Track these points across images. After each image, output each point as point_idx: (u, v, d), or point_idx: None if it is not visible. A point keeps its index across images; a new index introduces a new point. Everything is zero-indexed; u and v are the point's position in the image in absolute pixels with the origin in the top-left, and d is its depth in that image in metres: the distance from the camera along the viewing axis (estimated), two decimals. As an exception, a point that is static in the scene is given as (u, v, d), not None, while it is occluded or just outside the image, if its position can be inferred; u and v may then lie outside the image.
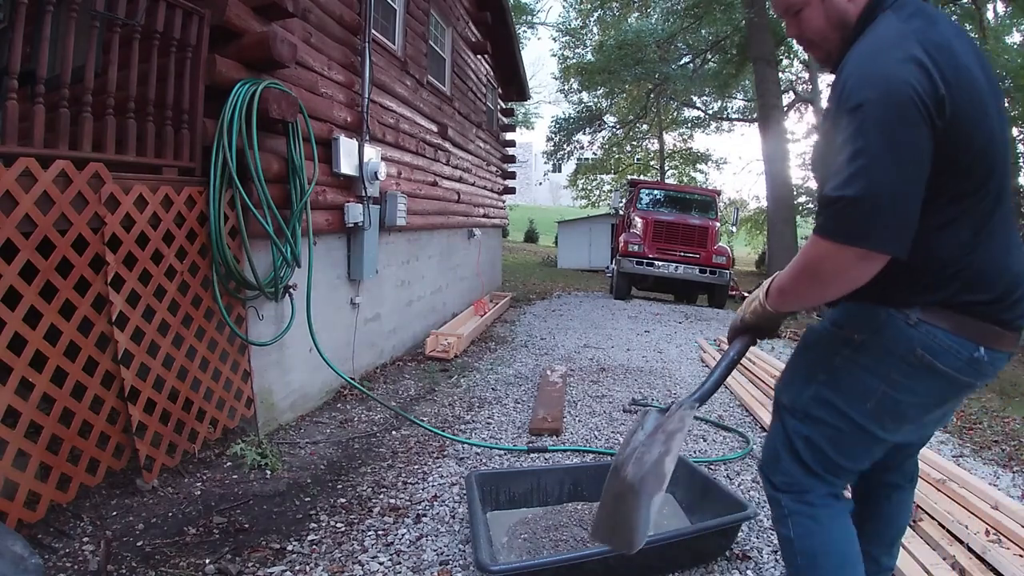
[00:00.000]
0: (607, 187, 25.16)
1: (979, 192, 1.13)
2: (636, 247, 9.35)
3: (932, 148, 1.05)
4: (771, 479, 1.35)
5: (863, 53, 1.12)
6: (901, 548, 1.97)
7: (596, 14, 19.66)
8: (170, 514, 2.23)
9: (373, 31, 4.19)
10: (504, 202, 10.01)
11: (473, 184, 7.63)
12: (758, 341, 1.47)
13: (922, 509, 2.25)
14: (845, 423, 1.24)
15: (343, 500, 2.42)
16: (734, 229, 13.88)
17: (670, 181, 23.94)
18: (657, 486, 1.26)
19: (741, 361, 1.59)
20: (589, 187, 26.37)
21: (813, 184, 12.84)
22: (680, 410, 1.37)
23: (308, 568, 1.91)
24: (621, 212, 12.37)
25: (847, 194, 1.04)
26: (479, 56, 8.02)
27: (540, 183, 37.22)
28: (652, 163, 26.38)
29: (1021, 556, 1.91)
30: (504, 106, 10.24)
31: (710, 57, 17.53)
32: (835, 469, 1.28)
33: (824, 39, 1.27)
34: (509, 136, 10.64)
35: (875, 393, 1.19)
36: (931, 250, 1.13)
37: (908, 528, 2.12)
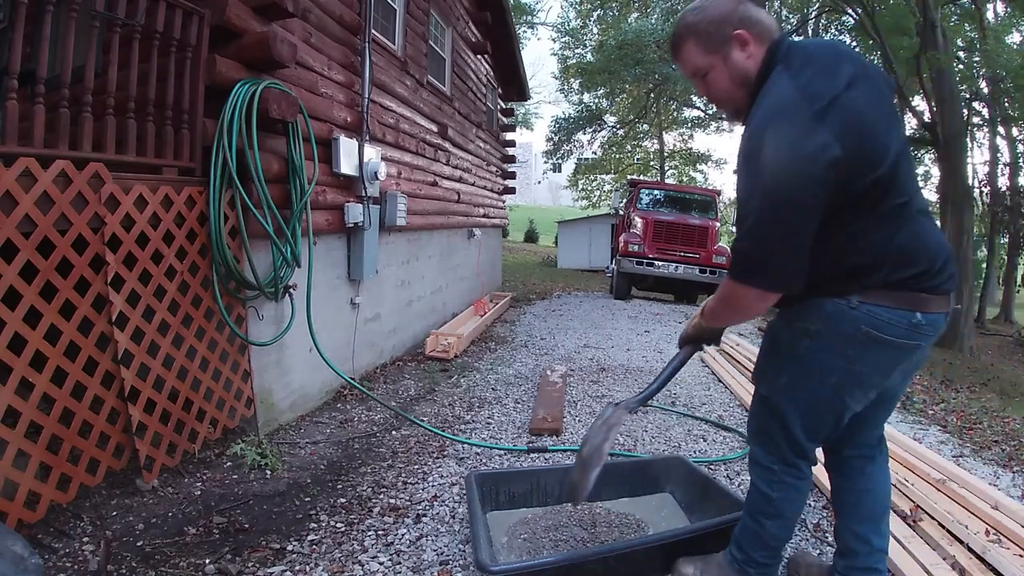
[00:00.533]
0: (607, 187, 25.16)
1: (884, 200, 1.31)
2: (636, 247, 9.34)
3: (822, 203, 1.23)
4: (767, 450, 1.57)
5: (761, 118, 1.27)
6: (901, 548, 1.98)
7: (596, 14, 19.65)
8: (170, 514, 2.23)
9: (373, 31, 4.19)
10: (504, 202, 10.01)
11: (473, 184, 7.63)
12: (704, 348, 1.78)
13: (922, 509, 2.25)
14: (818, 399, 1.46)
15: (343, 500, 2.42)
16: (734, 229, 13.88)
17: (670, 181, 23.94)
18: (598, 463, 1.67)
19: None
20: (589, 187, 26.37)
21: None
22: (618, 409, 1.74)
23: (308, 568, 1.91)
24: (621, 212, 12.36)
25: (741, 247, 1.32)
26: (479, 56, 8.02)
27: (539, 182, 37.25)
28: (652, 163, 26.38)
29: (1021, 556, 1.91)
30: (504, 106, 10.24)
31: (710, 57, 17.51)
32: (815, 436, 1.51)
33: (731, 97, 1.44)
34: (509, 136, 10.64)
35: (837, 370, 1.40)
36: (853, 254, 1.34)
37: (908, 528, 2.13)
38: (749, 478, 1.64)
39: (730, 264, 1.36)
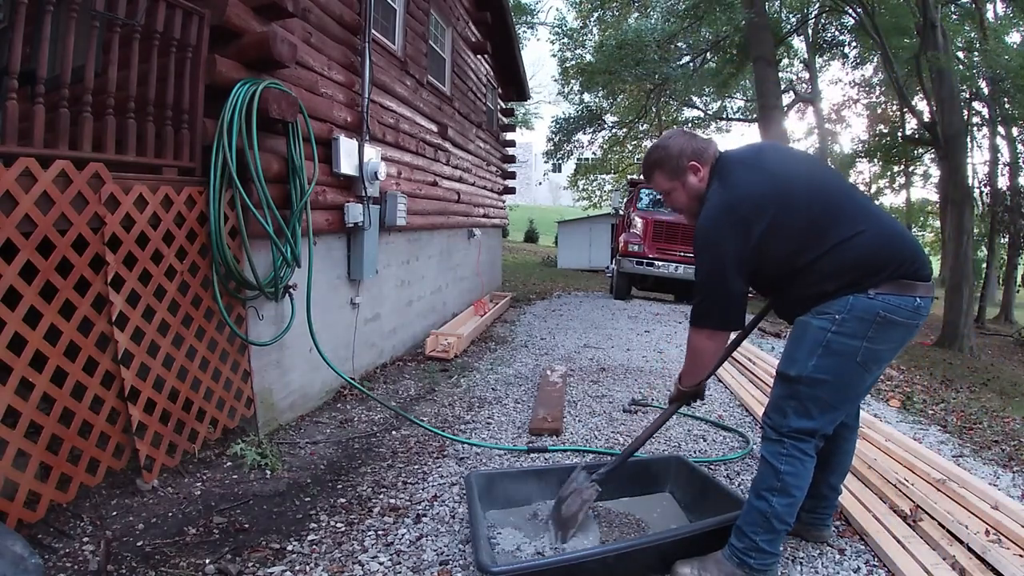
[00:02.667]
0: (607, 187, 25.14)
1: (826, 232, 1.68)
2: (636, 247, 9.33)
3: (750, 267, 1.73)
4: (778, 428, 1.76)
5: (703, 218, 1.79)
6: (901, 548, 2.00)
7: (596, 15, 19.63)
8: (170, 514, 2.23)
9: (373, 31, 4.19)
10: (504, 202, 10.01)
11: (473, 184, 7.63)
12: (689, 404, 2.23)
13: (922, 509, 2.25)
14: (843, 377, 1.71)
15: (343, 500, 2.42)
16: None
17: (670, 181, 23.80)
18: (574, 525, 2.02)
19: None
20: (589, 187, 26.33)
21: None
22: (591, 487, 2.07)
23: (308, 568, 1.91)
24: (621, 212, 12.35)
25: (696, 302, 1.80)
26: (479, 56, 8.02)
27: (540, 183, 37.23)
28: (652, 163, 26.29)
29: (1021, 556, 1.90)
30: (504, 106, 10.23)
31: (710, 57, 17.48)
32: (832, 415, 1.75)
33: (688, 208, 1.95)
34: (509, 136, 10.63)
35: (859, 350, 1.68)
36: (841, 271, 1.67)
37: (908, 528, 2.14)
38: (749, 478, 1.66)
39: (690, 316, 1.83)
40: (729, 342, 2.07)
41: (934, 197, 23.25)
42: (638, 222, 9.69)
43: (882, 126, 21.79)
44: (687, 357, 1.93)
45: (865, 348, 1.68)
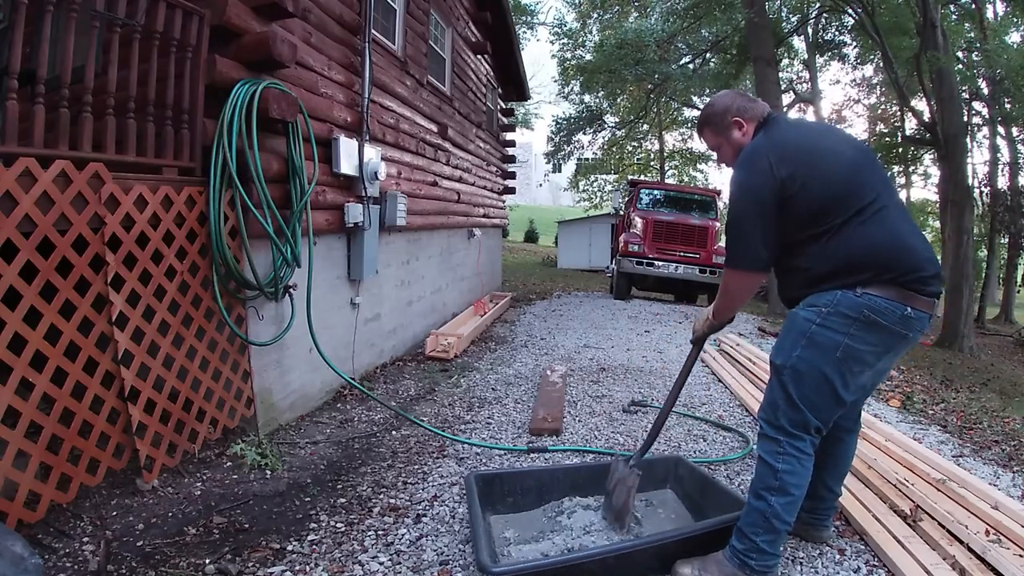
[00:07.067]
0: (608, 187, 25.16)
1: (846, 215, 1.69)
2: (636, 247, 9.34)
3: (775, 213, 1.73)
4: (772, 423, 1.80)
5: (739, 161, 1.86)
6: (901, 548, 2.00)
7: (596, 15, 19.64)
8: (170, 514, 2.23)
9: (373, 31, 4.19)
10: (504, 202, 10.01)
11: (473, 184, 7.63)
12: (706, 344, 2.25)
13: (922, 509, 2.25)
14: (822, 371, 1.73)
15: (343, 500, 2.42)
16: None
17: (670, 181, 23.90)
18: (627, 513, 2.08)
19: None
20: (590, 188, 26.34)
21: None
22: (632, 472, 2.12)
23: (308, 568, 1.91)
24: (622, 212, 12.35)
25: (727, 244, 1.87)
26: (479, 56, 8.02)
27: (541, 184, 37.24)
28: (652, 163, 26.36)
29: (1021, 556, 1.90)
30: (504, 106, 10.24)
31: (710, 57, 17.48)
32: (818, 411, 1.75)
33: (733, 162, 1.98)
34: (509, 136, 10.64)
35: (840, 345, 1.71)
36: (835, 257, 1.71)
37: (908, 528, 2.14)
38: (749, 478, 1.65)
39: (724, 259, 1.89)
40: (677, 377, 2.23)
41: (934, 197, 23.24)
42: (638, 222, 9.70)
43: (882, 126, 21.79)
44: (720, 295, 1.99)
45: (846, 345, 1.70)
